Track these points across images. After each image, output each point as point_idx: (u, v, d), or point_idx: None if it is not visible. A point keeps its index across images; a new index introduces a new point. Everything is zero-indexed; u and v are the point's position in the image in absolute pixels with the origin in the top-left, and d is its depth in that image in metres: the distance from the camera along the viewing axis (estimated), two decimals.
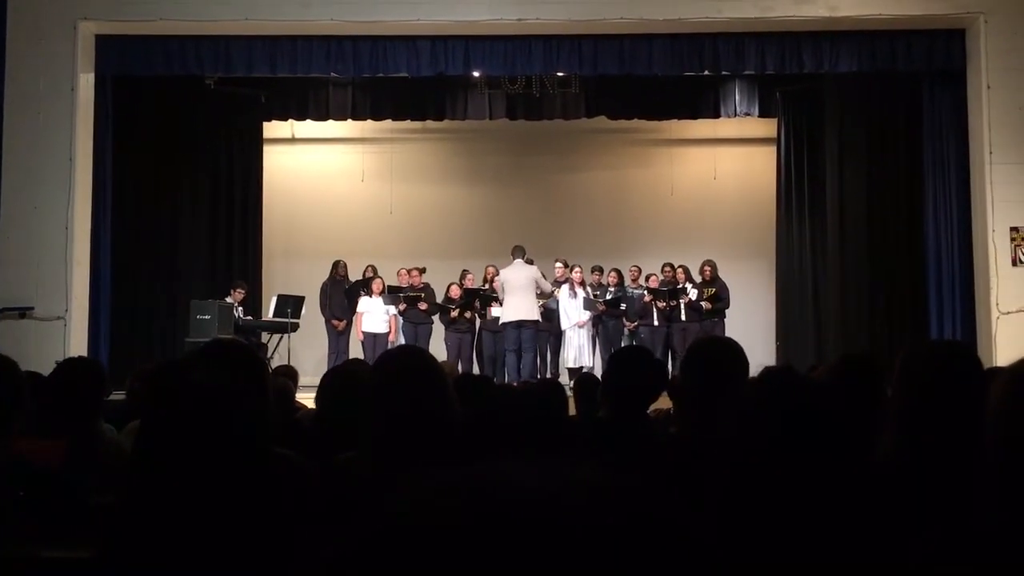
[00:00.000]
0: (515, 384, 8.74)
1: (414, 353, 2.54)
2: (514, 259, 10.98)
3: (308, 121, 12.96)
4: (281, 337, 11.34)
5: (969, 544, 1.30)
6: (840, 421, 1.30)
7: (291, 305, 11.36)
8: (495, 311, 11.11)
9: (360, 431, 2.36)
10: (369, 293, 11.49)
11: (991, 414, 1.43)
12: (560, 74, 11.58)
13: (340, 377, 3.39)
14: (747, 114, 12.38)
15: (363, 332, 11.32)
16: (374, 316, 11.36)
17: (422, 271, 11.73)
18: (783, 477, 1.26)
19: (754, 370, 3.32)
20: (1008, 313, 9.56)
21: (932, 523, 1.44)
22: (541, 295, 11.05)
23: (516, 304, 10.76)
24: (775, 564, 1.23)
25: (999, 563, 1.26)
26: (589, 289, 11.47)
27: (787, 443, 1.27)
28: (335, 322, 11.63)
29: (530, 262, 11.08)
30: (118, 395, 5.56)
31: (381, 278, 11.56)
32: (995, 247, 9.67)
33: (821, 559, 1.22)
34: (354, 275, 11.96)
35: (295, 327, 11.39)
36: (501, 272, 11.05)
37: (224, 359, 2.40)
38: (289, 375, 5.60)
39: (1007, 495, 1.35)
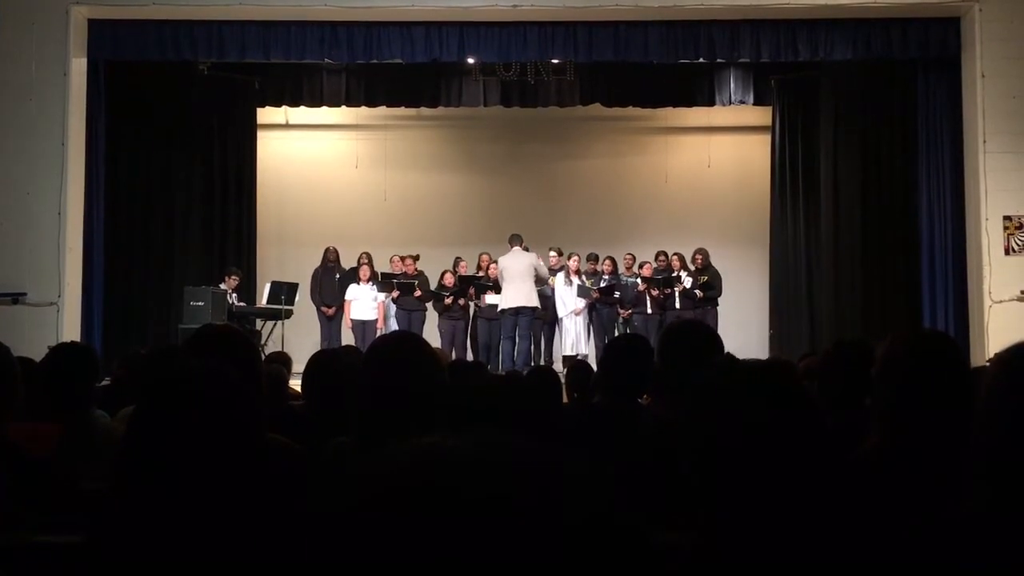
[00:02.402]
0: (509, 371, 8.74)
1: (409, 339, 2.54)
2: (512, 247, 10.99)
3: (302, 107, 12.91)
4: (275, 324, 11.33)
5: (955, 535, 1.31)
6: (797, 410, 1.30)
7: (285, 292, 11.35)
8: (494, 298, 11.11)
9: (355, 417, 2.36)
10: (357, 280, 11.47)
11: (982, 401, 1.43)
12: (555, 61, 11.53)
13: (321, 363, 3.48)
14: (742, 102, 12.36)
15: (352, 319, 11.31)
16: (362, 303, 11.35)
17: (416, 258, 11.72)
18: (756, 465, 1.26)
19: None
20: (1001, 302, 9.58)
21: (916, 515, 1.44)
22: (539, 281, 11.05)
23: (515, 291, 10.78)
24: (752, 553, 1.23)
25: (985, 555, 1.26)
26: (584, 277, 11.47)
27: (758, 431, 1.27)
28: (324, 309, 11.63)
29: (526, 250, 11.08)
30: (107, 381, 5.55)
31: (368, 264, 11.54)
32: (988, 236, 9.69)
33: (800, 549, 1.22)
34: (347, 262, 11.94)
35: (288, 314, 11.37)
36: (500, 260, 11.06)
37: (216, 345, 2.39)
38: (282, 361, 5.59)
39: (995, 483, 1.36)
